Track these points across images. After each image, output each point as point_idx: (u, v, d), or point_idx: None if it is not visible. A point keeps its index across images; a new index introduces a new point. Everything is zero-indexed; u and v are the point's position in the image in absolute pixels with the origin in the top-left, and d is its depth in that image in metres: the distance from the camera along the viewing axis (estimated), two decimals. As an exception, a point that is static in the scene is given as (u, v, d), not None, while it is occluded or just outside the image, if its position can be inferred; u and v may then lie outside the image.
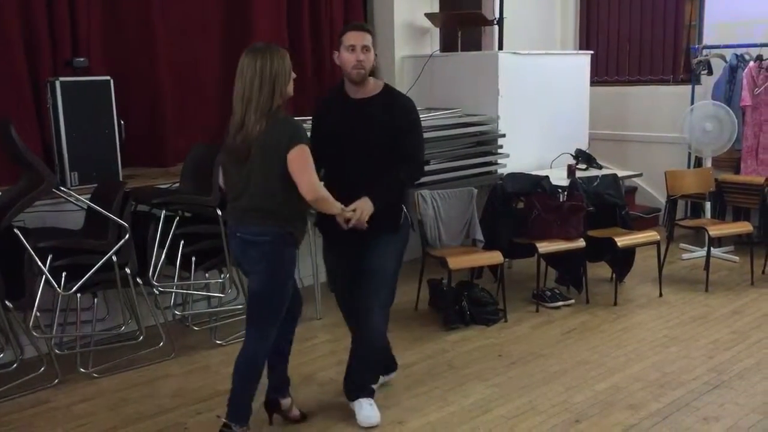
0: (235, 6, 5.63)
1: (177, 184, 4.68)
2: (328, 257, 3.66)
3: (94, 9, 4.98)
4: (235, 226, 3.17)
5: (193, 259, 4.39)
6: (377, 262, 3.40)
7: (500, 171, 5.77)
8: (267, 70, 2.99)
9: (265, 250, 3.08)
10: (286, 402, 3.48)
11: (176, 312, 4.61)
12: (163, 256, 4.26)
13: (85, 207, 4.12)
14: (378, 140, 3.28)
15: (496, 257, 4.89)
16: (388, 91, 3.41)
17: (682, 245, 6.48)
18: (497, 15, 6.37)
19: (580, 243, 5.07)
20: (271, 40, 5.67)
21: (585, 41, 7.87)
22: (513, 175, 5.43)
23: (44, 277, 3.80)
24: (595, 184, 5.48)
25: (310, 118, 3.58)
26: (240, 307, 4.74)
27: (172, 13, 5.32)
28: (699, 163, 6.64)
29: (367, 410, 3.49)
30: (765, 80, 6.25)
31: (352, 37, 3.26)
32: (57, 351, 4.08)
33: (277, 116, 3.02)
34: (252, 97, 2.99)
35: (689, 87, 6.90)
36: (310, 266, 5.04)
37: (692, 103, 6.65)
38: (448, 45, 6.68)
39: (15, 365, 3.93)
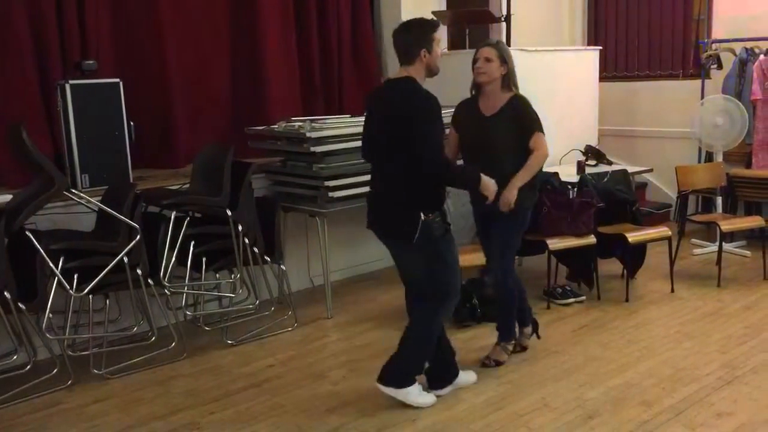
0: (243, 7, 5.64)
1: (187, 185, 4.70)
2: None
3: (103, 11, 5.00)
4: None
5: (204, 259, 4.41)
6: None
7: (510, 168, 5.75)
8: None
9: None
10: None
11: (188, 312, 4.63)
12: (174, 257, 4.28)
13: (96, 209, 4.14)
14: None
15: (506, 254, 4.86)
16: None
17: (694, 240, 6.44)
18: (505, 12, 6.34)
19: (591, 239, 5.04)
20: (279, 39, 5.76)
21: (593, 37, 7.84)
22: (522, 172, 5.41)
23: (56, 278, 3.82)
24: (605, 179, 5.46)
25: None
26: (251, 307, 4.77)
27: (180, 15, 5.33)
28: (710, 157, 6.60)
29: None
30: (775, 73, 6.22)
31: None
32: (70, 352, 4.11)
33: None
34: None
35: (699, 81, 6.87)
36: (320, 265, 5.05)
37: (702, 97, 6.61)
38: (455, 43, 6.66)
39: (28, 367, 3.95)
